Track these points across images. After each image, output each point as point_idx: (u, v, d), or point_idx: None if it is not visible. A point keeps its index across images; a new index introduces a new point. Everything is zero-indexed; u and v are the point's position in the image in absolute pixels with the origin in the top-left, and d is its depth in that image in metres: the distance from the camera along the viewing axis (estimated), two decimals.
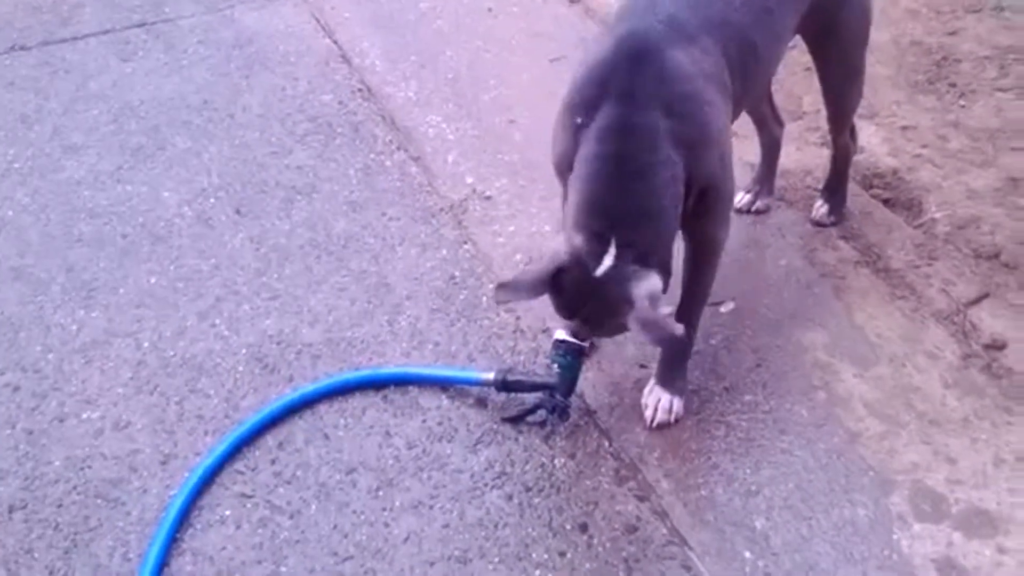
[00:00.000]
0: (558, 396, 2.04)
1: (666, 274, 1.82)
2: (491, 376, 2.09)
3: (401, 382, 2.17)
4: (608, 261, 1.73)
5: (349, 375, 2.17)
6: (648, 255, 1.76)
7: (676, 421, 2.11)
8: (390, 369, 2.20)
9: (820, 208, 2.61)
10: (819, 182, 2.73)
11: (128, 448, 2.04)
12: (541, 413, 2.08)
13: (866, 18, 2.30)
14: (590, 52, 1.89)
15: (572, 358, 2.04)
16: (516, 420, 2.10)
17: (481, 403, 2.14)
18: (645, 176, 1.74)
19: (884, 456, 2.05)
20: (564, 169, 1.87)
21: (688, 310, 2.07)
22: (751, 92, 2.08)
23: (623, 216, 1.75)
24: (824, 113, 2.87)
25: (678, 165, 1.76)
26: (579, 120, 1.80)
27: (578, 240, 1.75)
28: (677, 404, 2.11)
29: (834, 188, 2.61)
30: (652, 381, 2.14)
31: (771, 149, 2.65)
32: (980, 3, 3.43)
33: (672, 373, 2.11)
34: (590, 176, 1.77)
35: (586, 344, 2.05)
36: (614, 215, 1.75)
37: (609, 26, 1.94)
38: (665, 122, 1.74)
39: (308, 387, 2.14)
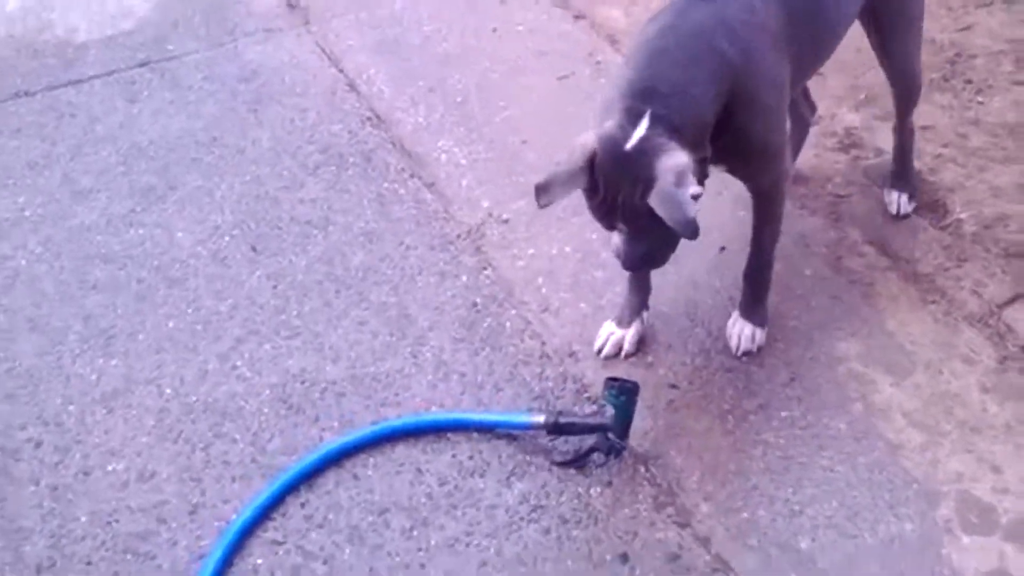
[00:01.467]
0: (613, 437, 1.99)
1: (699, 156, 1.87)
2: (541, 419, 2.04)
3: (446, 429, 2.12)
4: (641, 132, 1.79)
5: (392, 423, 2.12)
6: (680, 129, 1.81)
7: (759, 350, 2.25)
8: (434, 416, 2.14)
9: (899, 198, 2.58)
10: (839, 188, 2.70)
11: (155, 499, 2.00)
12: (598, 456, 2.03)
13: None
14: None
15: (626, 397, 1.99)
16: (571, 464, 2.04)
17: (511, 435, 2.09)
18: (688, 65, 1.85)
19: (927, 467, 2.00)
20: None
21: (759, 249, 2.23)
22: (818, 56, 2.23)
23: (660, 91, 1.82)
24: (838, 117, 2.86)
25: (721, 67, 1.86)
26: (643, 31, 1.96)
27: (610, 122, 1.83)
28: (760, 335, 2.25)
29: (905, 175, 2.61)
30: (736, 313, 2.28)
31: (799, 132, 2.66)
32: None
33: (754, 305, 2.26)
34: (635, 61, 1.90)
35: (638, 383, 2.02)
36: (651, 91, 1.82)
37: None
38: (716, 35, 1.87)
39: (349, 437, 2.08)
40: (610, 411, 1.99)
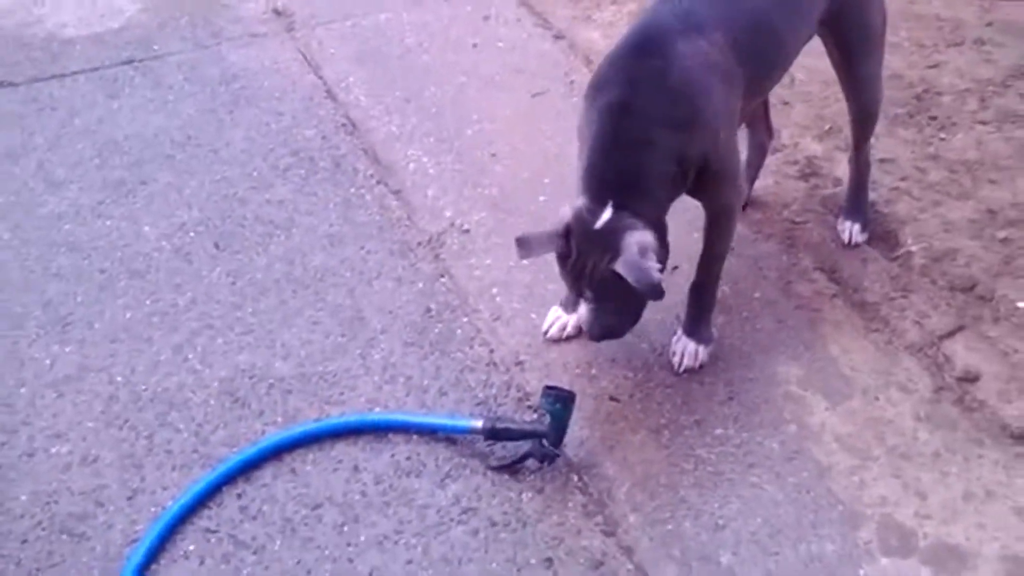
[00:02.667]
0: (548, 445, 2.04)
1: (659, 236, 2.01)
2: (479, 424, 2.07)
3: (386, 429, 2.15)
4: (607, 216, 1.95)
5: (333, 421, 2.16)
6: (640, 214, 1.97)
7: (700, 367, 2.29)
8: (374, 416, 2.18)
9: (851, 228, 2.63)
10: (795, 215, 2.74)
11: (95, 483, 2.04)
12: (532, 463, 2.07)
13: (884, 14, 2.45)
14: (615, 45, 2.09)
15: (562, 406, 2.04)
16: (505, 469, 2.08)
17: (451, 438, 2.13)
18: (637, 151, 1.96)
19: (854, 490, 2.04)
20: (582, 139, 2.07)
21: (708, 267, 2.29)
22: (770, 76, 2.28)
23: (617, 183, 1.97)
24: (801, 146, 2.91)
25: (670, 145, 1.97)
26: (594, 98, 2.02)
27: (581, 201, 1.98)
28: (703, 352, 2.30)
29: (859, 206, 2.66)
30: (680, 331, 2.33)
31: (756, 155, 2.73)
32: (962, 36, 3.45)
33: (698, 323, 2.31)
34: (593, 148, 1.99)
35: (574, 392, 2.07)
36: (610, 182, 1.97)
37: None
38: (661, 107, 1.96)
39: (288, 432, 2.12)
40: (546, 419, 2.04)
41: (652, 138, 1.95)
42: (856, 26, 2.38)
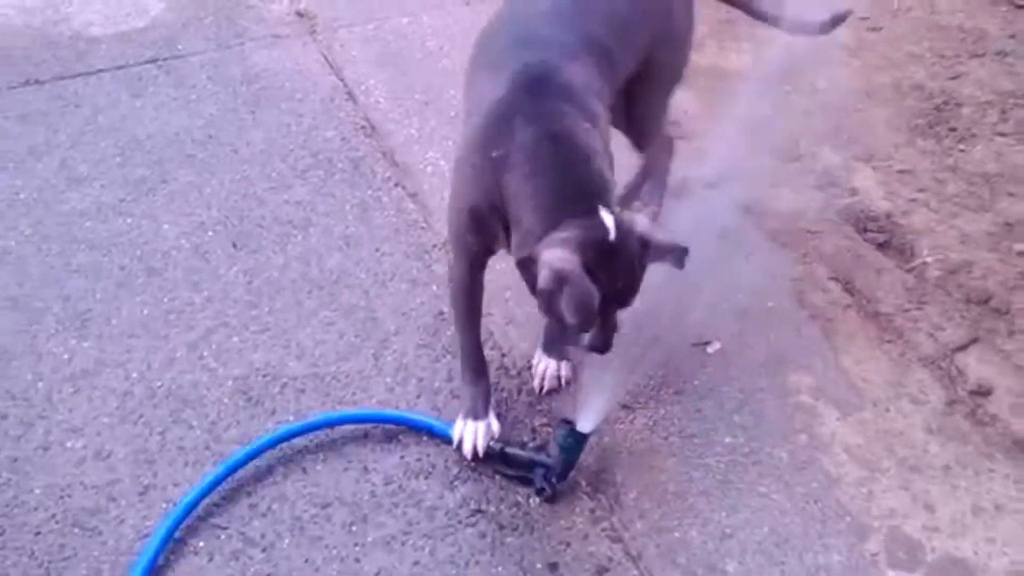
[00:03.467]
0: (552, 478, 2.02)
1: None
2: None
3: (393, 423, 2.18)
4: (610, 219, 1.75)
5: (341, 413, 2.19)
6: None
7: (567, 384, 2.23)
8: (387, 411, 2.20)
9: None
10: (811, 224, 2.74)
11: (108, 478, 2.07)
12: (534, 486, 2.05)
13: (686, 59, 2.39)
14: (485, 96, 1.91)
15: (575, 441, 2.03)
16: (506, 477, 2.09)
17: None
18: (588, 158, 1.82)
19: (862, 501, 2.04)
20: (487, 208, 1.88)
21: None
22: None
23: (594, 190, 1.79)
24: (819, 156, 2.91)
25: (597, 147, 1.86)
26: (494, 154, 1.83)
27: (567, 234, 1.73)
28: (565, 369, 2.25)
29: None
30: (538, 351, 2.27)
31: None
32: (984, 48, 3.43)
33: (551, 339, 2.24)
34: (548, 180, 1.79)
35: (589, 435, 2.05)
36: (589, 191, 1.79)
37: (480, 60, 2.07)
38: (579, 121, 1.85)
39: (305, 421, 2.16)
40: (556, 451, 2.03)
41: (589, 143, 1.83)
42: (659, 75, 2.32)
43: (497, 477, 2.08)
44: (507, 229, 1.87)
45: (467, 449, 2.08)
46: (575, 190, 1.79)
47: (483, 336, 2.39)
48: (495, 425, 2.12)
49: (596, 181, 1.81)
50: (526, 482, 2.07)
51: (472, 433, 2.08)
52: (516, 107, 1.85)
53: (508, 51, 1.98)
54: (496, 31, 2.08)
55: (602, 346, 1.87)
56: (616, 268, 1.76)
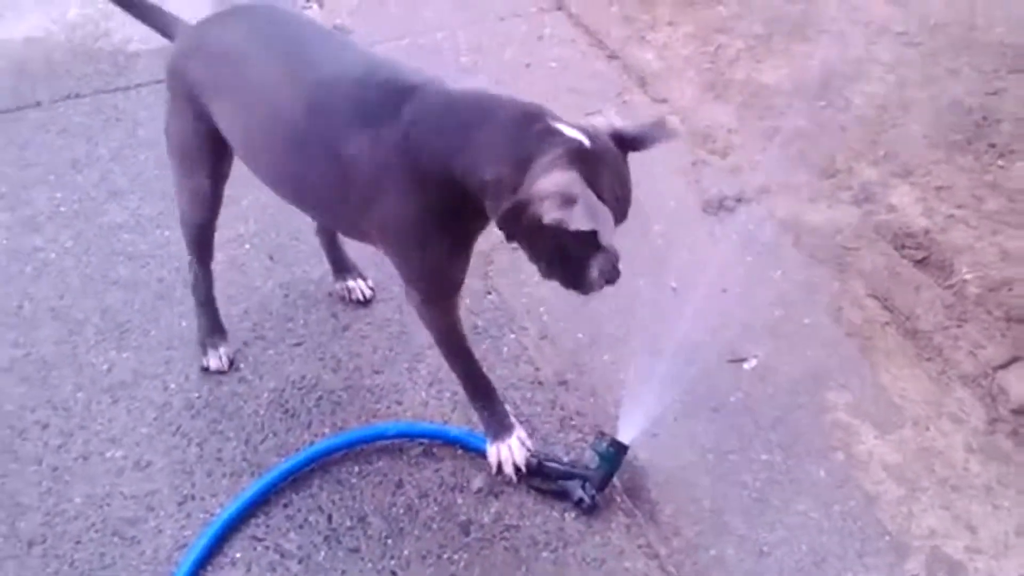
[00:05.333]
0: (590, 488, 2.02)
1: None
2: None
3: (430, 437, 2.18)
4: (575, 132, 1.63)
5: (386, 426, 2.19)
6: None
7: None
8: (425, 425, 2.20)
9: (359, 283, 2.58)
10: (848, 240, 2.72)
11: (147, 488, 2.09)
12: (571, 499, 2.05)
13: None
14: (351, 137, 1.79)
15: (615, 451, 2.03)
16: (543, 494, 2.08)
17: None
18: (491, 93, 1.73)
19: (902, 520, 2.01)
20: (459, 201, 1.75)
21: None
22: None
23: (534, 111, 1.67)
24: (855, 171, 2.89)
25: None
26: (424, 155, 1.72)
27: (548, 158, 1.60)
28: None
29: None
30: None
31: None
32: (1023, 63, 3.40)
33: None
34: (485, 126, 1.67)
35: (628, 446, 2.04)
36: (532, 113, 1.66)
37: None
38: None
39: (340, 436, 2.16)
40: (595, 462, 2.03)
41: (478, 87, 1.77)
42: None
43: (531, 491, 2.08)
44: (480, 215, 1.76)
45: (510, 471, 2.07)
46: (519, 119, 1.66)
47: (516, 351, 2.42)
48: (524, 434, 2.11)
49: (527, 104, 1.69)
50: (560, 496, 2.06)
51: (509, 451, 2.07)
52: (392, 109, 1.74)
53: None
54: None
55: (613, 272, 1.75)
56: (606, 175, 1.64)
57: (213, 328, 2.39)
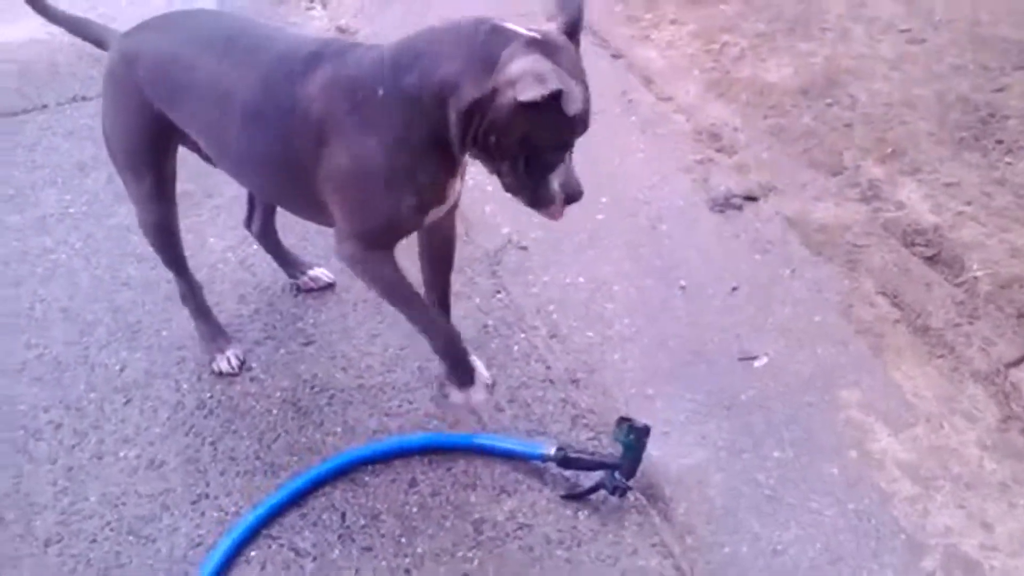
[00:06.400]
0: (620, 476, 2.03)
1: None
2: (552, 451, 2.07)
3: (457, 449, 2.16)
4: (522, 29, 1.70)
5: (408, 439, 2.18)
6: None
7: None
8: (448, 436, 2.19)
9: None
10: (857, 237, 2.72)
11: (161, 487, 2.09)
12: (602, 493, 2.05)
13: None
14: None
15: (636, 438, 2.02)
16: (575, 498, 2.07)
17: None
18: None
19: (917, 519, 2.01)
20: (430, 136, 1.78)
21: None
22: None
23: (478, 20, 1.74)
24: (862, 168, 2.89)
25: None
26: (382, 90, 1.76)
27: (511, 48, 1.66)
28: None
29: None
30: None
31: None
32: None
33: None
34: (440, 42, 1.74)
35: (649, 425, 2.03)
36: (476, 22, 1.73)
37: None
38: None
39: (365, 449, 2.15)
40: (619, 449, 2.03)
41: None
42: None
43: (544, 490, 2.08)
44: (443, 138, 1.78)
45: (481, 398, 2.13)
46: (471, 27, 1.71)
47: (527, 350, 2.42)
48: (486, 374, 2.16)
49: (474, 16, 1.74)
50: (592, 492, 2.05)
51: (480, 394, 2.12)
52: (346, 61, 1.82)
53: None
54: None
55: (577, 187, 1.81)
56: (565, 63, 1.66)
57: (215, 333, 2.42)
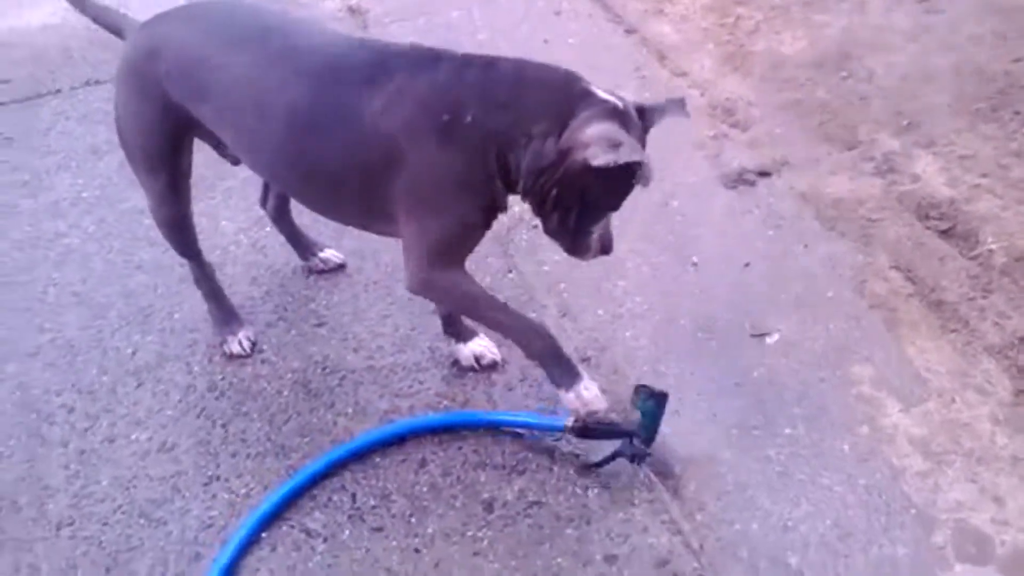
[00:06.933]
0: (638, 443, 2.02)
1: None
2: (569, 422, 2.05)
3: (475, 427, 2.17)
4: (607, 95, 1.79)
5: (425, 419, 2.18)
6: None
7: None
8: (463, 414, 2.19)
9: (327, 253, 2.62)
10: (872, 212, 2.69)
11: (173, 469, 2.10)
12: (612, 467, 2.05)
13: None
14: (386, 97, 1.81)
15: (655, 403, 2.02)
16: (596, 467, 2.07)
17: (516, 432, 2.15)
18: (525, 62, 1.86)
19: (928, 493, 2.00)
20: (484, 175, 1.83)
21: None
22: None
23: (570, 75, 1.84)
24: (878, 142, 2.86)
25: None
26: (468, 116, 1.78)
27: (590, 112, 1.74)
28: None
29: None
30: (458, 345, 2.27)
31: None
32: None
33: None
34: (531, 87, 1.79)
35: (667, 392, 2.02)
36: (568, 77, 1.82)
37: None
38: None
39: (380, 431, 2.14)
40: (637, 416, 2.02)
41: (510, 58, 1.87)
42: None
43: (554, 468, 2.08)
44: (504, 176, 1.83)
45: (599, 405, 1.99)
46: (561, 81, 1.80)
47: None
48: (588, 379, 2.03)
49: (566, 70, 1.82)
50: (612, 460, 2.04)
51: (593, 389, 1.99)
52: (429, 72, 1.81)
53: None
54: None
55: (611, 241, 1.96)
56: (635, 137, 1.77)
57: (228, 317, 2.40)
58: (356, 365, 2.34)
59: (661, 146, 2.98)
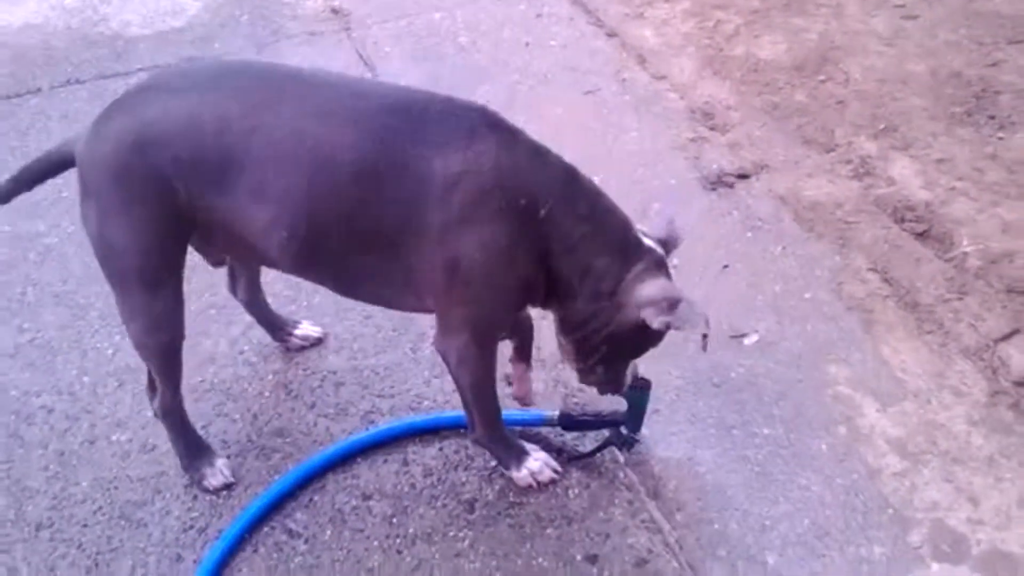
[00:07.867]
0: (627, 431, 2.06)
1: None
2: (555, 414, 2.11)
3: (459, 427, 2.16)
4: (652, 243, 1.85)
5: (414, 420, 2.18)
6: None
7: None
8: (453, 413, 2.18)
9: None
10: (849, 214, 2.72)
11: (154, 470, 2.10)
12: (602, 456, 2.09)
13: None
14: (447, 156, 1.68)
15: (640, 392, 2.04)
16: (583, 458, 2.10)
17: None
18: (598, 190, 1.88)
19: (904, 493, 2.02)
20: (535, 270, 1.79)
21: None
22: None
23: (625, 215, 1.88)
24: (855, 145, 2.89)
25: None
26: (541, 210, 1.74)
27: (643, 265, 1.80)
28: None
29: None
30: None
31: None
32: (1023, 34, 3.38)
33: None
34: (604, 216, 1.81)
35: (650, 381, 2.06)
36: (626, 217, 1.86)
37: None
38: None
39: (369, 432, 2.14)
40: (624, 405, 2.05)
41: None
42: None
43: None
44: (548, 284, 1.81)
45: (548, 476, 2.04)
46: (622, 220, 1.83)
47: None
48: (534, 448, 2.08)
49: (621, 218, 1.85)
50: (600, 450, 2.08)
51: (541, 464, 2.05)
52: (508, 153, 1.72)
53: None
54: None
55: (645, 381, 2.03)
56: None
57: (200, 450, 2.07)
58: (338, 366, 2.34)
59: (642, 149, 3.02)
